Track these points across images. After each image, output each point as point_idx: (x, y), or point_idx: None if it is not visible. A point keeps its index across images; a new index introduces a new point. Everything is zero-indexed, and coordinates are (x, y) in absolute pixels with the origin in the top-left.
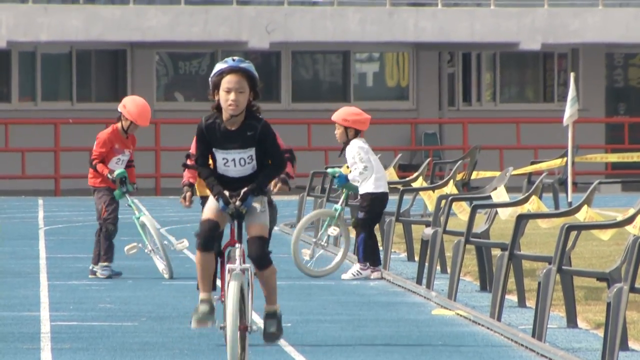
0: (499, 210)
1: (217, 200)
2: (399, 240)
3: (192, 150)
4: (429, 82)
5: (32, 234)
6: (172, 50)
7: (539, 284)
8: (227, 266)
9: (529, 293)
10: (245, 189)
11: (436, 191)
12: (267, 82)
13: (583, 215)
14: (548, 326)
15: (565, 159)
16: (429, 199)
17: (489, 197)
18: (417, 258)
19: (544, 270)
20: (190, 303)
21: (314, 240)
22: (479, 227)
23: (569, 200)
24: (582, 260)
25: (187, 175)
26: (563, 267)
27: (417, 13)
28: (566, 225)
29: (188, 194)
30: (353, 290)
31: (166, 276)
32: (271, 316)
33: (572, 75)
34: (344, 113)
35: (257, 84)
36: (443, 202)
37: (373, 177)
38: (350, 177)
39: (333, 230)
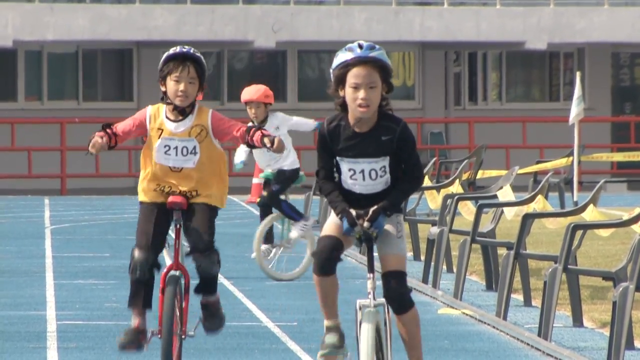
0: (505, 209)
1: (341, 219)
2: None
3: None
4: (435, 81)
5: (38, 233)
6: None
7: (545, 283)
8: (358, 302)
9: (534, 292)
10: (375, 206)
11: (442, 190)
12: (273, 82)
13: (589, 215)
14: (554, 325)
15: (571, 158)
16: (431, 198)
17: (495, 197)
18: (423, 257)
19: (550, 270)
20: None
21: (277, 242)
22: (485, 226)
23: (575, 199)
24: (588, 259)
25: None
26: (569, 266)
27: (423, 12)
28: (572, 225)
29: (98, 140)
30: (359, 289)
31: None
32: None
33: (578, 74)
34: (262, 91)
35: (390, 74)
36: (449, 201)
37: (293, 153)
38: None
39: (294, 233)
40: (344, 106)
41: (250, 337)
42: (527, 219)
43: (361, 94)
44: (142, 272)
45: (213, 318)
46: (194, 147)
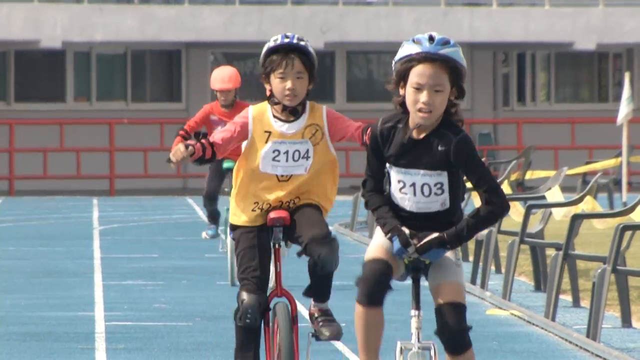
0: (554, 210)
1: (391, 239)
2: None
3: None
4: (483, 82)
5: (87, 234)
6: (227, 50)
7: (594, 284)
8: (400, 343)
9: (583, 293)
10: (433, 236)
11: None
12: (322, 82)
13: (638, 215)
14: (602, 326)
15: (620, 158)
16: (477, 199)
17: (544, 197)
18: (471, 258)
19: (599, 270)
20: None
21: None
22: (534, 227)
23: (624, 200)
24: (637, 260)
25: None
26: (618, 267)
27: (472, 13)
28: (621, 225)
29: (181, 148)
30: (409, 290)
31: None
32: None
33: (627, 75)
34: None
35: (462, 76)
36: None
37: None
38: None
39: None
40: (404, 105)
41: (299, 337)
42: (576, 219)
43: (423, 97)
44: (254, 317)
45: (331, 323)
46: (307, 151)
